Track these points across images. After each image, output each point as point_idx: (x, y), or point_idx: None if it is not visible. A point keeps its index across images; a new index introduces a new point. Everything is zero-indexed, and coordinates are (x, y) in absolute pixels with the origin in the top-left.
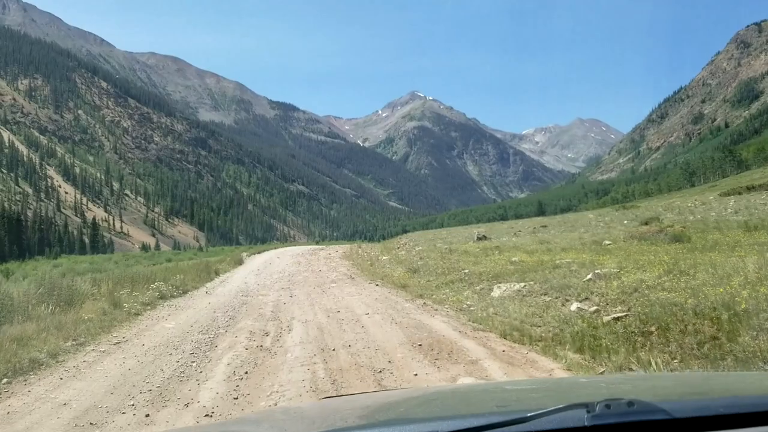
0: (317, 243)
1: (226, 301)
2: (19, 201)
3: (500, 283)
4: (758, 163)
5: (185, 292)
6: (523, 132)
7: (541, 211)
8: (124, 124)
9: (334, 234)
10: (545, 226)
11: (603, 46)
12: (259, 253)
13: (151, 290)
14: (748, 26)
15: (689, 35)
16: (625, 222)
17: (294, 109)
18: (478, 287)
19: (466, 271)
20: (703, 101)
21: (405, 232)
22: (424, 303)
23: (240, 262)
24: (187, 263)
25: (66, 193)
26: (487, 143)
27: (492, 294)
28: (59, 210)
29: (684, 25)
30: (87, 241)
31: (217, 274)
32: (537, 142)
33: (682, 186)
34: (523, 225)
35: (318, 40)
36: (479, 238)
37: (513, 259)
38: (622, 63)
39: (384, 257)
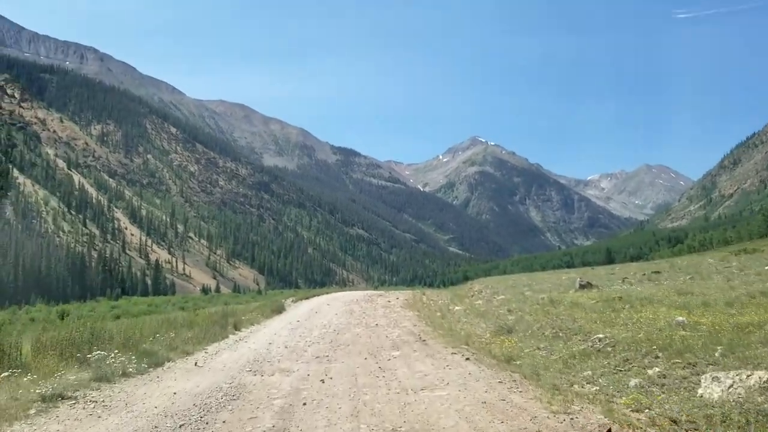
0: (375, 288)
1: (206, 388)
2: (85, 242)
3: (693, 366)
4: None
5: (157, 364)
6: (588, 178)
7: (609, 259)
8: (191, 169)
9: (393, 279)
10: (658, 272)
11: (670, 91)
12: (308, 298)
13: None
14: None
15: (761, 79)
16: (766, 268)
17: (355, 154)
18: (650, 372)
19: (600, 336)
20: None
21: (467, 278)
22: (583, 413)
23: (280, 310)
24: (214, 310)
25: (132, 234)
26: (550, 189)
27: (704, 392)
28: (124, 251)
29: (755, 70)
30: (149, 282)
31: (236, 328)
32: (603, 189)
33: (764, 233)
34: (626, 271)
35: (380, 86)
36: (582, 286)
37: (678, 318)
38: (690, 109)
39: (457, 307)
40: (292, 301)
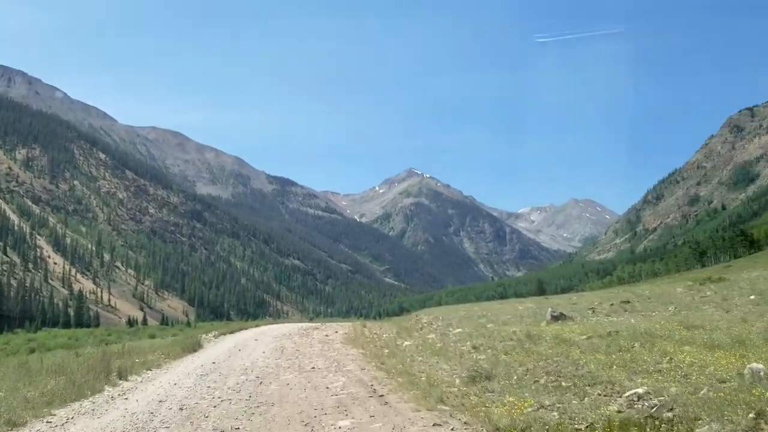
0: (311, 320)
1: None
2: (5, 271)
3: None
4: None
5: None
6: (519, 211)
7: (541, 290)
8: (120, 196)
9: (329, 310)
10: (627, 302)
11: (595, 128)
12: (234, 332)
13: None
14: (740, 111)
15: (682, 119)
16: (752, 297)
17: (292, 184)
18: None
19: (638, 391)
20: (698, 183)
21: (402, 309)
22: None
23: (194, 348)
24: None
25: (55, 263)
26: (483, 221)
27: None
28: (46, 281)
29: (676, 109)
30: (72, 313)
31: (122, 377)
32: (533, 221)
33: (691, 266)
34: (588, 300)
35: (317, 116)
36: (555, 317)
37: (754, 366)
38: (614, 145)
39: (406, 342)
40: (214, 335)
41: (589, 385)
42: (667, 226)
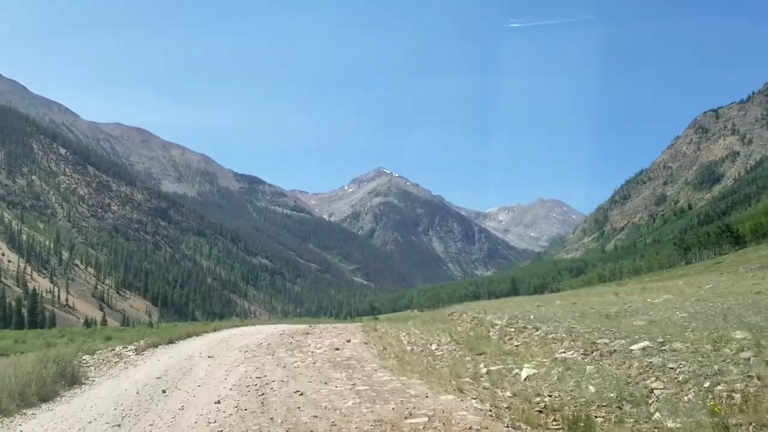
0: (281, 320)
1: None
2: None
3: None
4: (756, 240)
5: None
6: (487, 210)
7: (514, 289)
8: (81, 192)
9: (298, 310)
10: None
11: (562, 128)
12: (175, 341)
13: None
14: (705, 112)
15: (647, 120)
16: None
17: (260, 182)
18: None
19: None
20: (665, 183)
21: (373, 308)
22: None
23: (73, 381)
24: None
25: (9, 261)
26: (452, 221)
27: None
28: None
29: (640, 111)
30: (25, 313)
31: None
32: (501, 221)
33: (675, 263)
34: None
35: (285, 114)
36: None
37: None
38: (579, 146)
39: (527, 371)
40: (135, 349)
41: None
42: (635, 225)
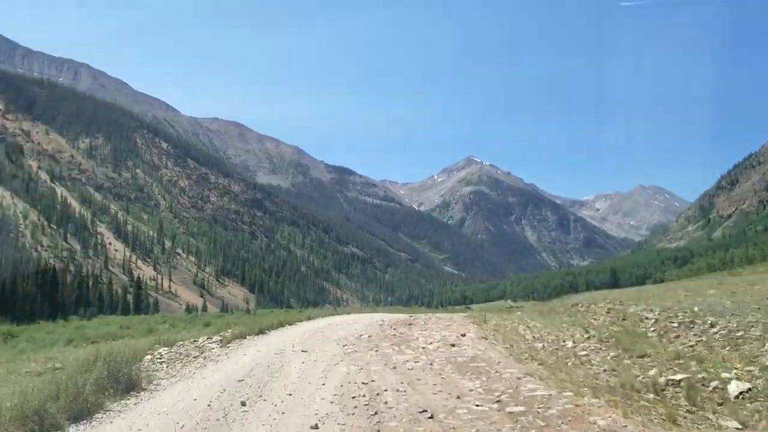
0: (375, 309)
1: None
2: (65, 257)
3: None
4: None
5: None
6: (584, 198)
7: (614, 280)
8: (182, 184)
9: (389, 299)
10: None
11: (664, 113)
12: (266, 331)
13: None
14: None
15: (756, 102)
16: None
17: (350, 173)
18: None
19: None
20: None
21: (465, 298)
22: None
23: (128, 388)
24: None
25: (116, 250)
26: (546, 209)
27: None
28: (106, 267)
29: (749, 93)
30: (131, 300)
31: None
32: (598, 209)
33: None
34: None
35: (376, 106)
36: None
37: None
38: (683, 131)
39: None
40: (220, 340)
41: None
42: (743, 212)
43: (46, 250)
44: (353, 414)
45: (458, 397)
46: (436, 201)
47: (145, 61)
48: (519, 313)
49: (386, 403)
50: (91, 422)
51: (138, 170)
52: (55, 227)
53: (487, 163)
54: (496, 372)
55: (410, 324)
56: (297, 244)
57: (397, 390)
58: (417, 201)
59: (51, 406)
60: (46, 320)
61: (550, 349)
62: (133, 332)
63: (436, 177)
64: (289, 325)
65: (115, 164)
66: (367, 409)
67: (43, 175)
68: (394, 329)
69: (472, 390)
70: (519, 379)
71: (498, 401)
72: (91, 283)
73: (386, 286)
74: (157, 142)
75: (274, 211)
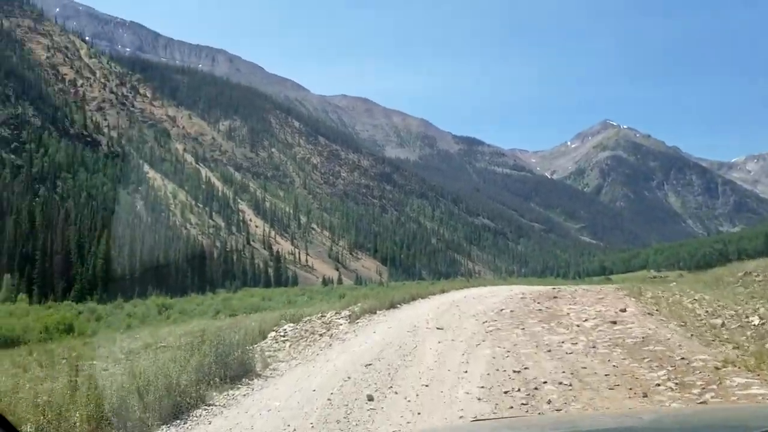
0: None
1: None
2: (212, 234)
3: None
4: None
5: None
6: (733, 160)
7: None
8: (314, 161)
9: (522, 270)
10: None
11: None
12: (398, 305)
13: None
14: None
15: None
16: None
17: (478, 143)
18: None
19: None
20: None
21: (604, 268)
22: None
23: (241, 374)
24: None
25: (256, 226)
26: (690, 173)
27: None
28: (248, 243)
29: None
30: (272, 273)
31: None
32: (749, 171)
33: None
34: None
35: (501, 73)
36: None
37: None
38: None
39: None
40: (348, 315)
41: None
42: None
43: (194, 228)
44: (510, 419)
45: (645, 395)
46: (570, 168)
47: (275, 42)
48: (674, 283)
49: (550, 402)
50: (185, 422)
51: (273, 149)
52: (201, 206)
53: (625, 127)
54: (682, 359)
55: (555, 297)
56: (427, 217)
57: (560, 383)
58: (549, 169)
59: (132, 403)
60: (196, 293)
61: (733, 326)
62: (275, 304)
63: (569, 143)
64: (422, 298)
65: (252, 144)
66: (527, 412)
67: (189, 158)
68: (539, 303)
69: (659, 384)
70: (717, 369)
71: (702, 403)
72: (235, 258)
73: (519, 258)
74: (290, 121)
75: (403, 185)
